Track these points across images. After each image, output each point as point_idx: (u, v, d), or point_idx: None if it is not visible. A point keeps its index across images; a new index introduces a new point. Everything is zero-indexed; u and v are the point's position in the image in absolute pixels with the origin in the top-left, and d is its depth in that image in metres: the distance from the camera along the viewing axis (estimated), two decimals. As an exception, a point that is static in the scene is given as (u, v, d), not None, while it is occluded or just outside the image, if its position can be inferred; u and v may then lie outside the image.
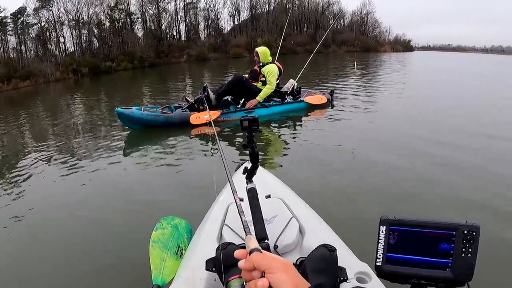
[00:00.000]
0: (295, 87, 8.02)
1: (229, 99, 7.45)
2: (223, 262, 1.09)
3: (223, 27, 57.03)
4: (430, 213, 3.11)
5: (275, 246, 1.37)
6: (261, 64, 7.56)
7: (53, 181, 4.92)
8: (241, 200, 1.62)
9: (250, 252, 0.70)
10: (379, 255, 0.92)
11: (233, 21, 58.10)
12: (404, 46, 63.70)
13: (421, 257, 0.90)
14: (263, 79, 7.49)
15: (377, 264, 0.93)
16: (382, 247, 0.92)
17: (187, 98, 7.50)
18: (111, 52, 43.58)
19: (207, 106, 6.86)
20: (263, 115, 7.17)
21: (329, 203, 3.35)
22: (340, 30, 54.48)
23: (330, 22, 59.16)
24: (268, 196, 1.83)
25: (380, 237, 0.92)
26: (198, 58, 44.89)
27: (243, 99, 7.39)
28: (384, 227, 0.91)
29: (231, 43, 51.31)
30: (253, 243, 0.73)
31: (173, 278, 1.45)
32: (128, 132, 7.01)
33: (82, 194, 4.31)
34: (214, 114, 6.87)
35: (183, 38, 52.94)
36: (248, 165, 1.59)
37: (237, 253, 0.72)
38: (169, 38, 51.20)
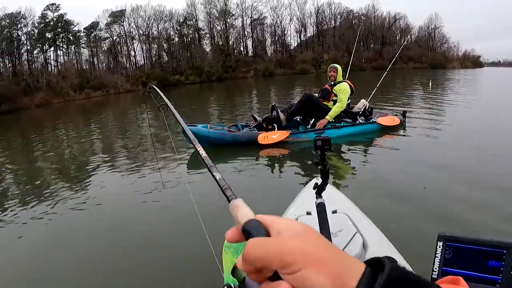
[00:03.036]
0: (367, 108, 7.64)
1: (298, 119, 7.21)
2: None
3: (289, 43, 57.30)
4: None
5: None
6: (332, 82, 7.30)
7: (125, 188, 5.24)
8: (309, 213, 1.90)
9: (244, 232, 0.44)
10: (435, 269, 0.96)
11: (300, 37, 58.40)
12: (473, 62, 60.27)
13: (473, 273, 0.92)
14: (334, 98, 7.20)
15: (432, 276, 0.96)
16: (439, 261, 0.95)
17: (255, 116, 7.35)
18: (179, 66, 45.03)
19: (276, 126, 6.76)
20: (333, 136, 6.73)
21: (393, 220, 3.37)
22: (407, 46, 52.51)
23: (397, 38, 57.56)
24: (335, 211, 1.91)
25: (437, 252, 0.96)
26: (265, 73, 45.48)
27: (313, 119, 7.12)
28: (441, 242, 0.95)
29: (298, 59, 51.14)
30: (243, 211, 0.47)
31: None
32: (193, 149, 6.78)
33: (157, 199, 4.67)
34: (283, 134, 6.68)
35: (250, 53, 53.98)
36: (318, 181, 1.67)
37: (228, 234, 0.46)
38: (236, 53, 52.36)
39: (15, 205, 5.03)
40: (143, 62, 47.96)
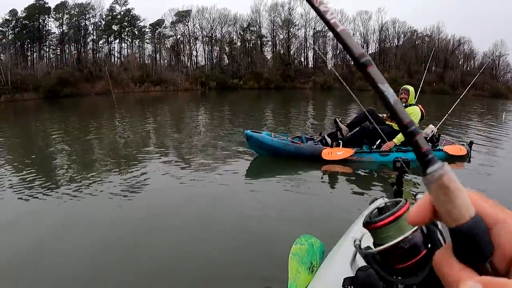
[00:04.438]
0: (434, 134, 7.38)
1: (364, 139, 6.99)
2: (361, 283, 1.19)
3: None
4: None
5: None
6: (404, 105, 6.85)
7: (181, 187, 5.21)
8: None
9: (459, 235, 0.31)
10: None
11: (361, 54, 56.88)
12: (536, 94, 56.46)
13: None
14: None
15: None
16: None
17: (324, 134, 7.11)
18: (239, 70, 45.43)
19: (341, 143, 6.62)
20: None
21: None
22: (469, 72, 49.95)
23: (460, 62, 54.99)
24: None
25: None
26: (323, 86, 44.68)
27: (379, 140, 6.86)
28: None
29: (357, 75, 50.01)
30: (461, 199, 0.30)
31: None
32: (254, 156, 6.90)
33: (224, 202, 4.64)
34: (348, 152, 6.52)
35: (310, 65, 53.48)
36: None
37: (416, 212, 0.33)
38: (297, 63, 52.04)
39: (58, 183, 5.28)
40: (204, 62, 48.82)
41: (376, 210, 0.76)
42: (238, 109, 18.68)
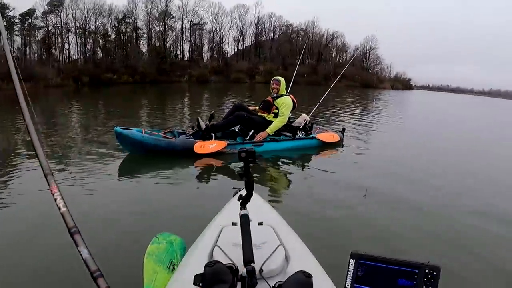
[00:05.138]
0: (307, 123, 7.59)
1: (237, 130, 7.10)
2: (210, 279, 1.20)
3: (226, 51, 57.24)
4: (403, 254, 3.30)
5: (261, 270, 1.45)
6: (275, 95, 7.19)
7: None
8: (235, 224, 1.87)
9: None
10: (347, 285, 1.01)
11: (237, 46, 58.92)
12: (404, 84, 64.88)
13: None
14: (275, 111, 7.08)
15: None
16: (351, 278, 1.01)
17: (200, 121, 6.83)
18: (113, 64, 43.62)
19: (213, 135, 6.58)
20: (272, 150, 6.94)
21: (317, 233, 3.51)
22: (341, 64, 54.69)
23: (333, 55, 60.06)
24: (261, 223, 1.94)
25: (349, 269, 1.02)
26: (199, 79, 45.12)
27: (252, 131, 7.00)
28: (354, 260, 1.02)
29: (233, 68, 51.72)
30: None
31: None
32: (125, 154, 6.57)
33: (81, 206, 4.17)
34: (221, 144, 6.45)
35: (186, 57, 53.39)
36: (244, 192, 1.70)
37: None
38: (173, 57, 51.59)
39: None
40: (76, 56, 46.12)
41: None
42: (112, 105, 18.17)
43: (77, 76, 37.43)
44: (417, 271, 0.96)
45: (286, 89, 7.48)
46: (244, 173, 1.65)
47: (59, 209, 1.64)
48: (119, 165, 6.14)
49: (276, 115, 7.06)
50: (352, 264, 1.01)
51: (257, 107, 7.35)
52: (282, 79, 7.28)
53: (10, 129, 9.50)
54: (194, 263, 1.61)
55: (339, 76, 10.53)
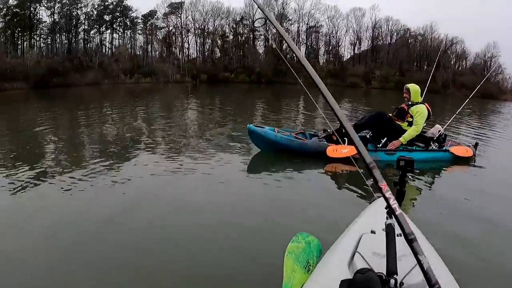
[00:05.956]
0: (441, 134, 7.17)
1: (368, 136, 6.83)
2: (360, 286, 1.18)
3: (342, 55, 56.29)
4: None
5: (401, 283, 1.40)
6: (410, 103, 6.86)
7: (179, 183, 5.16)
8: (373, 232, 1.88)
9: None
10: None
11: (353, 50, 57.31)
12: (528, 96, 57.02)
13: None
14: (410, 119, 6.78)
15: None
16: None
17: (326, 129, 7.08)
18: (231, 63, 45.32)
19: (346, 140, 6.37)
20: None
21: (455, 250, 3.31)
22: (461, 72, 50.26)
23: (452, 62, 55.19)
24: (399, 235, 1.74)
25: None
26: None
27: (385, 139, 6.74)
28: None
29: (349, 71, 50.20)
30: None
31: None
32: (257, 151, 6.83)
33: (219, 198, 4.57)
34: (353, 149, 6.15)
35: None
36: (391, 201, 1.59)
37: None
38: (289, 59, 51.50)
39: (46, 174, 5.16)
40: (195, 55, 48.73)
41: None
42: (228, 102, 18.68)
43: (196, 74, 38.92)
44: None
45: (420, 97, 7.12)
46: (399, 182, 1.79)
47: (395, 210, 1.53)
48: (252, 161, 6.46)
49: (410, 124, 6.81)
50: None
51: (391, 115, 7.08)
52: (412, 86, 6.93)
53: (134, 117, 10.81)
54: (333, 267, 1.66)
55: (477, 87, 10.18)
